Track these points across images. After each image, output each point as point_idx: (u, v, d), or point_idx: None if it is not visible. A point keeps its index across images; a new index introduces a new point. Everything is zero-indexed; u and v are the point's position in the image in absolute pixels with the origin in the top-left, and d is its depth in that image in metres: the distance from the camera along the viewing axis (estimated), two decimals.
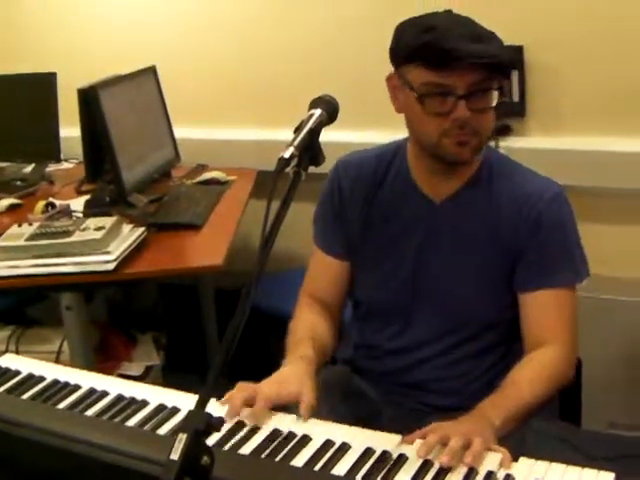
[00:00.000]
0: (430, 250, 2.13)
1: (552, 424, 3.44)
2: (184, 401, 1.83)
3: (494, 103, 1.94)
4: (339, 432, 1.71)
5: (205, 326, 3.90)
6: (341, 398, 2.13)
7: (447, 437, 1.61)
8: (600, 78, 3.41)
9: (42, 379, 1.97)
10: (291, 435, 1.70)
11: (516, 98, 3.54)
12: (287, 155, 1.63)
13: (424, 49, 1.90)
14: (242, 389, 1.82)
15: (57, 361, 3.28)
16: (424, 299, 2.15)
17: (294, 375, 1.89)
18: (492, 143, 3.53)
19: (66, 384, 1.94)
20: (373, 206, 2.18)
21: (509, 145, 3.56)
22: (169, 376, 3.61)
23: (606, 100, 3.42)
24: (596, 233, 3.56)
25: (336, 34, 3.77)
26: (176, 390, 1.91)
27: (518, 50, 3.47)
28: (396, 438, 1.68)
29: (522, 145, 3.56)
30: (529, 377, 1.93)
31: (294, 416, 1.78)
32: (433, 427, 1.68)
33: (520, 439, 2.03)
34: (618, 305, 3.36)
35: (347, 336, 2.39)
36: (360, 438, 1.68)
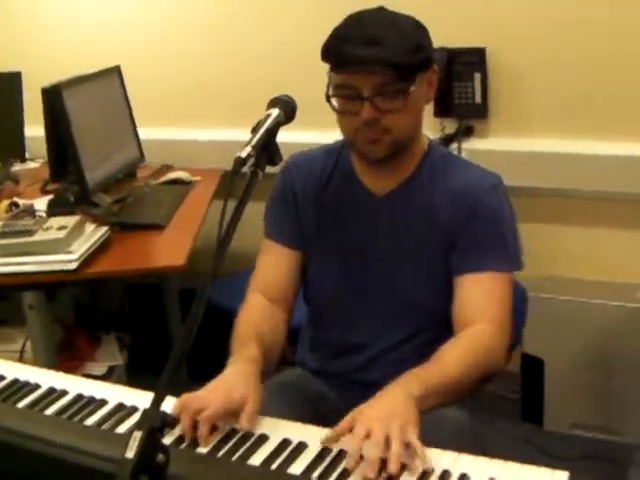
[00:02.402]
0: (373, 244, 2.16)
1: (516, 425, 3.49)
2: (143, 400, 1.83)
3: (403, 104, 1.97)
4: (296, 431, 1.72)
5: (169, 326, 3.90)
6: (299, 399, 2.14)
7: (368, 433, 1.61)
8: (562, 80, 3.44)
9: (2, 378, 1.97)
10: (248, 434, 1.70)
11: (478, 99, 3.57)
12: (244, 155, 1.65)
13: (326, 53, 1.99)
14: (187, 410, 1.73)
15: (21, 360, 3.27)
16: (370, 294, 2.17)
17: (239, 379, 1.85)
18: (455, 144, 3.57)
19: (26, 383, 1.94)
20: (322, 203, 2.21)
21: (471, 146, 3.59)
22: (133, 376, 3.61)
23: (567, 102, 3.46)
24: (557, 234, 3.61)
25: (296, 34, 3.80)
26: (137, 389, 1.91)
27: (481, 52, 3.51)
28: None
29: (484, 146, 3.59)
30: (455, 353, 1.93)
31: None
32: (350, 418, 1.67)
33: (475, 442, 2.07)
34: (580, 306, 3.39)
35: (303, 339, 2.41)
36: (317, 437, 1.68)
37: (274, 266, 2.26)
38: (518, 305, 2.40)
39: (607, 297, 3.38)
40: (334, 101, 2.02)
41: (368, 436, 1.60)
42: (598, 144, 3.41)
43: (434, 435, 1.72)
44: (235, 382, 1.83)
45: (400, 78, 1.95)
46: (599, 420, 3.44)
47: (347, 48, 1.93)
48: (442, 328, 2.09)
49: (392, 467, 1.54)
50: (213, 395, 1.78)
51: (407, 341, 2.17)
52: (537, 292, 3.32)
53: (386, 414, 1.65)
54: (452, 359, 1.92)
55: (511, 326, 2.07)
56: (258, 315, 2.15)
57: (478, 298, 2.05)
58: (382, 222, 2.16)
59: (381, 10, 2.05)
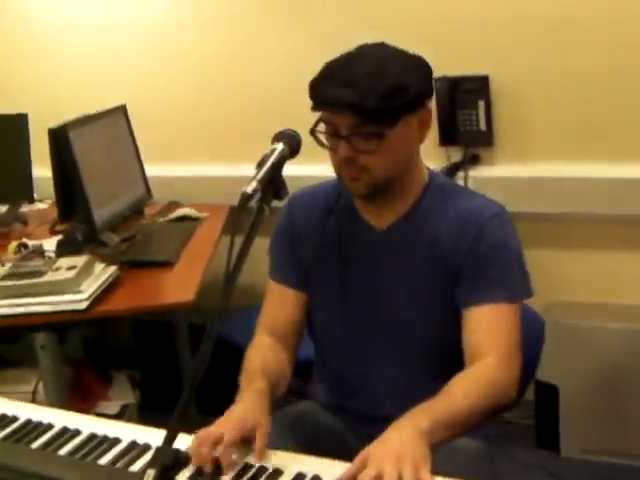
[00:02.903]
0: (375, 279, 2.15)
1: (530, 452, 3.47)
2: (156, 438, 1.80)
3: (377, 146, 1.96)
4: (310, 465, 1.71)
5: (180, 362, 3.89)
6: (311, 432, 2.13)
7: (379, 474, 1.60)
8: (565, 105, 3.46)
9: (15, 419, 1.97)
10: (263, 469, 1.70)
11: (483, 127, 3.58)
12: (250, 190, 1.66)
13: (310, 89, 2.00)
14: (205, 442, 1.74)
15: (33, 401, 3.28)
16: (373, 329, 2.16)
17: (250, 409, 1.86)
18: (461, 172, 3.57)
19: (39, 423, 1.94)
20: (324, 238, 2.21)
21: (478, 174, 3.60)
22: (145, 414, 3.61)
23: (572, 127, 3.47)
24: (567, 260, 3.60)
25: (301, 68, 3.79)
26: (149, 427, 1.90)
27: (484, 79, 3.52)
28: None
29: (491, 174, 3.60)
30: (462, 387, 1.91)
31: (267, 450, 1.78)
32: (361, 460, 1.66)
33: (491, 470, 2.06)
34: (592, 331, 3.39)
35: (315, 375, 2.40)
36: (331, 471, 1.67)
37: (278, 307, 2.27)
38: (535, 336, 2.40)
39: (619, 321, 3.38)
40: (320, 136, 2.02)
41: (380, 477, 1.59)
42: (605, 167, 3.42)
43: (449, 466, 1.72)
44: (246, 412, 1.85)
45: (375, 121, 1.93)
46: (615, 445, 3.42)
47: (325, 87, 1.96)
48: (450, 360, 2.07)
49: None
50: (227, 425, 1.79)
51: (414, 375, 2.15)
52: (548, 318, 3.29)
53: (397, 454, 1.63)
54: (459, 393, 1.90)
55: (520, 357, 2.04)
56: (266, 354, 2.16)
57: (484, 331, 2.03)
58: (383, 256, 2.15)
59: (379, 47, 2.05)
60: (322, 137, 2.02)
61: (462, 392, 1.90)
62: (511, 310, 2.05)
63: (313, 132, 2.02)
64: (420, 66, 2.04)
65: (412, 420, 1.76)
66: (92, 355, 4.00)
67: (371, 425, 1.86)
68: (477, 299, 2.04)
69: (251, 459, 1.73)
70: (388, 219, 2.14)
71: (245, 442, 1.76)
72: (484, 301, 2.03)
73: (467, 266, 2.06)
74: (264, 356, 2.14)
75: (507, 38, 3.47)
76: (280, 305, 2.26)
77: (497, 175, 3.59)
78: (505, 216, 2.12)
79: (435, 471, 1.61)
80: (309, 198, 2.27)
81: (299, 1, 3.90)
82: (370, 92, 1.90)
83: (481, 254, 2.05)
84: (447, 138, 3.61)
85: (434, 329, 2.12)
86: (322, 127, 2.02)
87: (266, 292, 2.30)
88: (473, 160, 3.64)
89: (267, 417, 1.85)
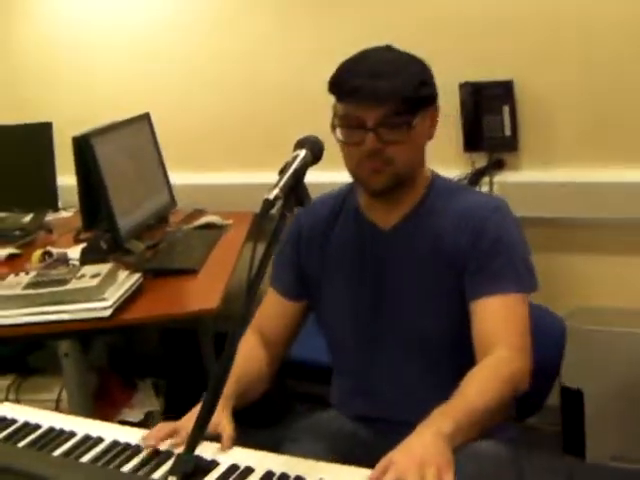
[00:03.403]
0: (382, 279, 2.17)
1: (556, 458, 3.46)
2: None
3: (407, 136, 2.00)
4: (331, 472, 1.70)
5: (205, 370, 3.89)
6: (333, 440, 2.14)
7: (403, 476, 1.59)
8: (591, 110, 3.44)
9: (38, 427, 1.97)
10: (284, 476, 1.68)
11: (508, 132, 3.57)
12: (271, 197, 1.66)
13: (332, 84, 2.04)
14: (163, 427, 1.86)
15: (57, 409, 3.28)
16: (382, 329, 2.17)
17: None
18: (486, 178, 3.56)
19: (61, 431, 1.94)
20: (330, 241, 2.23)
21: (502, 179, 3.58)
22: (170, 421, 3.60)
23: (597, 132, 3.45)
24: (592, 264, 3.58)
25: (324, 76, 3.81)
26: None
27: (508, 84, 3.51)
28: None
29: (515, 179, 3.58)
30: (477, 384, 1.90)
31: (285, 456, 1.78)
32: (384, 465, 1.64)
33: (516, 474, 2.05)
34: (617, 336, 3.37)
35: (334, 381, 2.40)
36: (352, 478, 1.66)
37: (270, 312, 2.32)
38: (556, 339, 2.38)
39: None
40: (338, 132, 2.05)
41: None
42: (631, 172, 3.40)
43: (476, 471, 1.71)
44: None
45: (404, 110, 1.98)
46: None
47: (354, 80, 1.99)
48: (462, 357, 2.07)
49: None
50: (186, 423, 1.82)
51: (428, 374, 2.15)
52: (573, 323, 3.28)
53: (420, 459, 1.62)
54: (475, 392, 1.88)
55: (530, 347, 2.04)
56: (247, 354, 2.16)
57: (493, 323, 2.03)
58: (390, 256, 2.16)
59: (387, 47, 2.11)
60: (340, 134, 2.06)
61: (478, 390, 1.89)
62: (518, 300, 2.06)
63: (334, 127, 2.05)
64: (426, 66, 2.11)
65: (433, 424, 1.75)
66: (118, 363, 4.00)
67: (393, 429, 1.85)
68: (484, 291, 2.05)
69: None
70: (393, 219, 2.17)
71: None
72: (491, 292, 2.04)
73: (471, 260, 2.07)
74: (244, 357, 2.10)
75: (531, 43, 3.46)
76: (273, 310, 2.32)
77: (522, 180, 3.57)
78: (506, 210, 2.15)
79: (459, 475, 1.60)
80: (316, 205, 2.29)
81: (323, 7, 3.90)
82: (403, 81, 1.97)
83: (484, 248, 2.06)
84: (472, 144, 3.60)
85: (444, 326, 2.13)
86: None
87: (265, 294, 2.34)
88: (498, 165, 3.62)
89: (228, 418, 1.91)
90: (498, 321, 2.03)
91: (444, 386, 1.94)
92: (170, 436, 1.81)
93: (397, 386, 2.19)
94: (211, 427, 1.77)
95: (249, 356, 2.18)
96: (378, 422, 2.20)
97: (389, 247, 2.16)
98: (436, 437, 1.70)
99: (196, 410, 1.84)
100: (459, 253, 2.08)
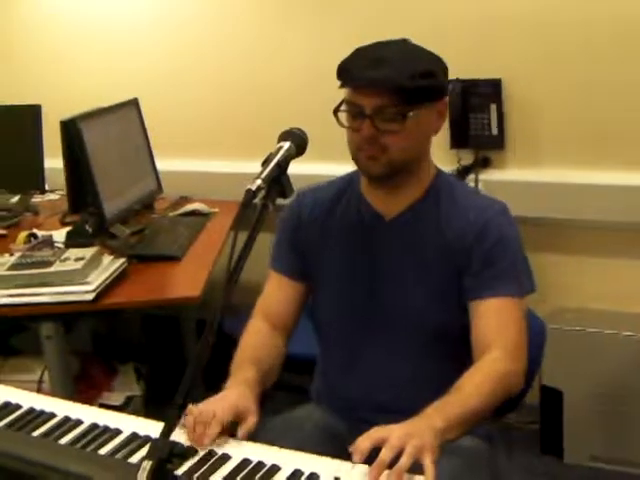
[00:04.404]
0: (381, 266, 2.18)
1: (534, 458, 3.47)
2: (157, 430, 1.81)
3: (401, 126, 2.01)
4: (308, 462, 1.71)
5: (186, 356, 3.91)
6: (312, 434, 2.16)
7: (383, 439, 1.64)
8: (578, 111, 3.46)
9: (18, 407, 1.98)
10: (260, 465, 1.71)
11: (495, 131, 3.58)
12: (254, 187, 1.68)
13: (339, 69, 2.05)
14: (200, 422, 1.81)
15: (38, 391, 3.28)
16: (376, 315, 2.19)
17: (238, 397, 1.91)
18: (472, 175, 3.58)
19: (41, 412, 1.95)
20: (330, 227, 2.25)
21: (488, 177, 3.60)
22: (151, 407, 3.62)
23: (584, 133, 3.47)
24: (575, 266, 3.60)
25: (311, 67, 3.85)
26: (153, 420, 1.91)
27: (496, 83, 3.52)
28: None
29: (501, 177, 3.60)
30: (473, 383, 1.94)
31: (263, 445, 1.80)
32: (373, 431, 1.69)
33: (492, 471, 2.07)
34: (598, 338, 3.38)
35: (317, 371, 2.42)
36: (329, 468, 1.68)
37: (276, 295, 2.31)
38: (536, 337, 2.40)
39: (625, 328, 3.37)
40: (341, 116, 2.07)
41: (383, 442, 1.62)
42: (616, 174, 3.42)
43: (449, 464, 1.73)
44: (239, 397, 1.90)
45: (399, 101, 1.99)
46: (619, 453, 3.42)
47: (355, 67, 2.01)
48: (453, 349, 2.11)
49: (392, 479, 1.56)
50: (220, 406, 1.85)
51: (416, 361, 2.17)
52: (555, 323, 3.31)
53: (408, 432, 1.67)
54: (470, 390, 1.92)
55: (526, 350, 2.08)
56: (258, 340, 2.21)
57: (492, 324, 2.06)
58: (390, 244, 2.18)
59: (402, 40, 2.13)
60: (343, 118, 2.08)
61: (473, 389, 1.92)
62: (517, 304, 2.09)
63: (336, 112, 2.06)
64: (441, 61, 2.11)
65: (427, 419, 1.78)
66: (101, 348, 4.01)
67: (371, 416, 1.88)
68: (484, 293, 2.07)
69: (250, 454, 1.74)
70: (396, 208, 2.18)
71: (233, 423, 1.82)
72: (491, 295, 2.07)
73: (473, 261, 2.09)
74: (258, 344, 2.19)
75: (520, 42, 3.47)
76: (277, 293, 2.31)
77: (507, 179, 3.59)
78: (509, 213, 2.17)
79: (435, 467, 1.62)
80: (317, 192, 2.32)
81: (317, 2, 3.92)
82: (400, 72, 1.97)
83: (486, 250, 2.09)
84: (458, 141, 3.61)
85: (438, 315, 2.15)
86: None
87: (267, 280, 2.35)
88: (484, 163, 3.64)
89: (257, 406, 1.90)
90: (496, 323, 2.06)
91: (433, 377, 1.97)
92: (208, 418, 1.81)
93: (382, 369, 2.20)
94: (238, 411, 1.84)
95: (263, 343, 2.21)
96: (357, 407, 2.21)
97: (390, 236, 2.18)
98: (428, 427, 1.73)
99: (218, 396, 1.91)
100: (461, 250, 2.10)
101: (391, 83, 1.97)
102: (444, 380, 1.95)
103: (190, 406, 1.80)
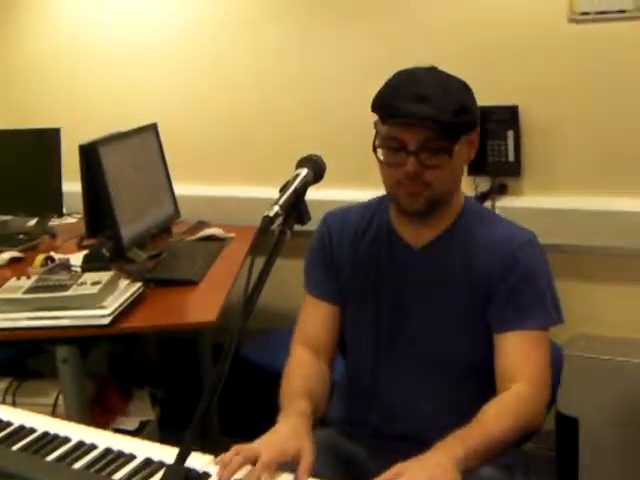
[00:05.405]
0: (408, 296, 2.18)
1: None
2: (172, 456, 1.81)
3: (447, 161, 2.01)
4: None
5: (203, 381, 3.90)
6: (332, 461, 2.16)
7: None
8: (595, 138, 3.46)
9: (33, 431, 1.98)
10: None
11: (512, 157, 3.58)
12: (271, 214, 1.68)
13: (376, 105, 2.06)
14: (239, 451, 1.78)
15: (53, 414, 3.27)
16: (406, 345, 2.18)
17: (292, 433, 1.87)
18: (489, 202, 3.57)
19: (56, 436, 1.95)
20: (358, 254, 2.24)
21: (505, 204, 3.59)
22: (166, 432, 3.60)
23: (601, 160, 3.46)
24: (592, 293, 3.58)
25: (330, 94, 3.84)
26: (167, 445, 1.90)
27: (513, 110, 3.52)
28: None
29: (518, 204, 3.59)
30: (495, 413, 1.93)
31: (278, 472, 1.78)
32: (396, 471, 1.69)
33: None
34: (614, 365, 3.36)
35: (337, 395, 2.40)
36: None
37: (314, 320, 2.29)
38: (555, 364, 2.39)
39: None
40: (380, 152, 2.06)
41: None
42: (632, 201, 3.42)
43: None
44: (288, 436, 1.85)
45: (445, 136, 1.99)
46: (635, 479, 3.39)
47: (397, 102, 2.00)
48: (479, 381, 2.10)
49: None
50: (267, 448, 1.80)
51: (441, 393, 2.17)
52: (571, 350, 3.29)
53: (431, 474, 1.67)
54: (492, 421, 1.92)
55: (550, 384, 2.08)
56: (305, 370, 2.18)
57: (516, 357, 2.05)
58: (418, 274, 2.18)
59: (432, 70, 2.11)
60: (380, 154, 2.07)
61: (495, 420, 1.92)
62: (543, 337, 2.09)
63: (375, 148, 2.06)
64: (470, 89, 2.12)
65: (448, 448, 1.78)
66: (117, 371, 4.01)
67: (392, 446, 1.88)
68: (510, 325, 2.07)
69: None
70: (425, 238, 2.18)
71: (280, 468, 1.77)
72: (517, 328, 2.06)
73: (500, 292, 2.09)
74: (305, 374, 2.16)
75: (538, 69, 3.48)
76: (315, 318, 2.29)
77: (524, 205, 3.58)
78: (537, 242, 2.16)
79: None
80: (344, 215, 2.31)
81: (342, 19, 3.92)
82: (444, 108, 1.97)
83: (514, 281, 2.08)
84: (475, 167, 3.60)
85: (465, 347, 2.14)
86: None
87: (302, 307, 2.33)
88: (500, 190, 3.64)
89: (311, 444, 1.85)
90: (521, 356, 2.05)
91: (455, 408, 1.97)
92: (251, 459, 1.76)
93: (406, 399, 2.20)
94: (292, 451, 1.79)
95: (311, 374, 2.18)
96: (378, 435, 2.21)
97: (418, 265, 2.18)
98: (449, 459, 1.73)
99: (273, 433, 1.87)
100: (489, 281, 2.10)
101: (441, 118, 1.96)
102: (469, 412, 1.95)
103: (236, 446, 1.78)
